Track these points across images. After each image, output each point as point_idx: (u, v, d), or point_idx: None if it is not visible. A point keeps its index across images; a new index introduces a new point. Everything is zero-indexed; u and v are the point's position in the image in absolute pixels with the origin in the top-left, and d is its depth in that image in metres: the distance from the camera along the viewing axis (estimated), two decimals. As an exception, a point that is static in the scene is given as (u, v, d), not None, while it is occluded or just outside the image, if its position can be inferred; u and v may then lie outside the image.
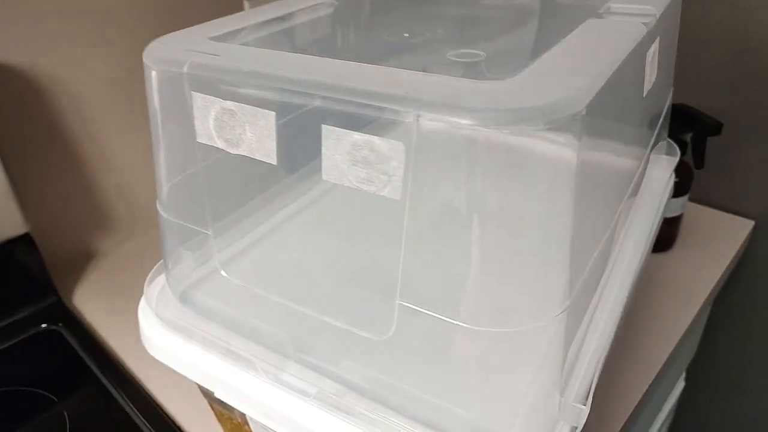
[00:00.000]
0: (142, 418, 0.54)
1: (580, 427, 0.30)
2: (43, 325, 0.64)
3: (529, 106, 0.23)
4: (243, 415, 0.43)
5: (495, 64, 0.31)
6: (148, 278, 0.42)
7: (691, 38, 0.74)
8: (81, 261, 0.76)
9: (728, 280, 0.84)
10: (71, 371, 0.59)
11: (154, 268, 0.43)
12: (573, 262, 0.28)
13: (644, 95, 0.37)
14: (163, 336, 0.39)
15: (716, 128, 0.63)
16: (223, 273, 0.37)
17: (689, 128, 0.65)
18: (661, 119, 0.49)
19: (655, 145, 0.56)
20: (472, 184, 0.27)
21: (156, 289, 0.42)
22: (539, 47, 0.30)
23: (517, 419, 0.31)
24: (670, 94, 0.52)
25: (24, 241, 0.63)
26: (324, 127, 0.27)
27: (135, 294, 0.50)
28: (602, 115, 0.28)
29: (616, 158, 0.35)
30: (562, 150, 0.25)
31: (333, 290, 0.38)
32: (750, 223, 0.78)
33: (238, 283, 0.37)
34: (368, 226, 0.41)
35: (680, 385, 0.87)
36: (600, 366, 0.34)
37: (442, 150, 0.25)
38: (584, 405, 0.32)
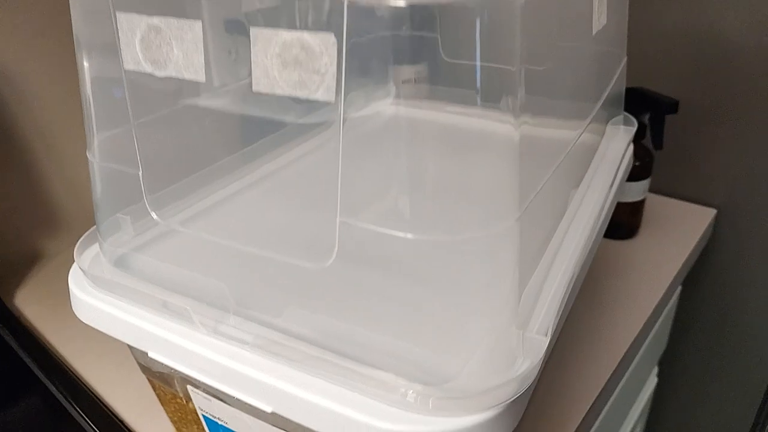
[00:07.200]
0: (87, 420, 0.50)
1: (539, 360, 0.28)
2: (-20, 326, 0.60)
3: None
4: (186, 391, 0.39)
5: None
6: (78, 243, 0.39)
7: (653, 29, 0.75)
8: (26, 261, 0.72)
9: (694, 272, 0.84)
10: (10, 372, 0.55)
11: (86, 233, 0.40)
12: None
13: (593, 34, 0.36)
14: (94, 297, 0.36)
15: (672, 106, 0.63)
16: (154, 216, 0.34)
17: (646, 109, 0.65)
18: (612, 86, 0.49)
19: (611, 117, 0.56)
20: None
21: (89, 256, 0.40)
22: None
23: (473, 357, 0.29)
24: (623, 64, 0.52)
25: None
26: (252, 29, 0.25)
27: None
28: (543, 19, 0.28)
29: (562, 85, 0.34)
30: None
31: (275, 239, 0.36)
32: (712, 212, 0.79)
33: (169, 226, 0.35)
34: (321, 197, 0.39)
35: (652, 381, 0.85)
36: (561, 302, 0.32)
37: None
38: (545, 336, 0.30)
